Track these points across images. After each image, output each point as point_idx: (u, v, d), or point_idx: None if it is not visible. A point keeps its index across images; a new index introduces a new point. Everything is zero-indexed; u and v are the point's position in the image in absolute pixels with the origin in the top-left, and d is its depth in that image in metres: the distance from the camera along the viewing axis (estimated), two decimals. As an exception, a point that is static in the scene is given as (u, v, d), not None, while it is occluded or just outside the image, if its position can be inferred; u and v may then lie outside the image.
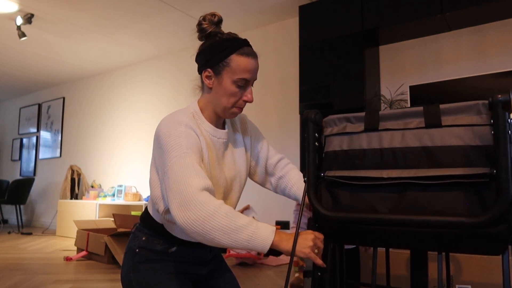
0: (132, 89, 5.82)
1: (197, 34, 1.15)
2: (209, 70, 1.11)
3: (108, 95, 6.17)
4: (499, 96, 0.72)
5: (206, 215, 0.90)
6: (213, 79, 1.11)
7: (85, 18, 4.32)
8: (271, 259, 3.56)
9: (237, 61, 1.07)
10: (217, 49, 1.08)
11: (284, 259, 3.63)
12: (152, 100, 5.51)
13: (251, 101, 1.13)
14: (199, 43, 1.16)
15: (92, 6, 4.03)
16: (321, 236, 0.96)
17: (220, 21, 1.13)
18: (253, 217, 4.25)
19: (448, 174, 0.75)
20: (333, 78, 3.48)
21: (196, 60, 1.16)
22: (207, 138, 1.13)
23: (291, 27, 4.27)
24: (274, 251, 3.92)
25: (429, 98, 3.09)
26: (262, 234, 0.91)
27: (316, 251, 0.93)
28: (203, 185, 0.95)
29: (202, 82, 1.17)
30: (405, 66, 3.53)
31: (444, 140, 0.78)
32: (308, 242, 0.92)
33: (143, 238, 1.14)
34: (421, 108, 0.83)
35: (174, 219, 0.94)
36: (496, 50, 3.14)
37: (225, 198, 1.18)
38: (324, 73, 3.54)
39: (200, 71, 1.15)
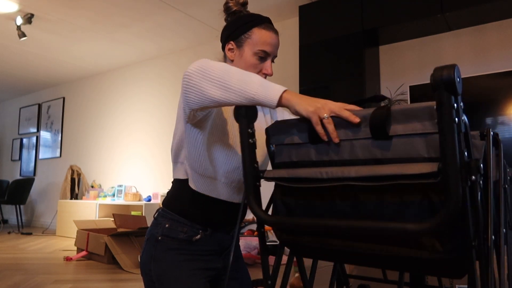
0: (133, 89, 5.82)
1: (224, 16, 1.21)
2: (232, 42, 1.15)
3: (108, 95, 6.17)
4: (442, 74, 0.57)
5: (221, 66, 0.90)
6: (235, 51, 1.16)
7: (85, 18, 4.32)
8: (271, 259, 3.56)
9: (259, 33, 1.12)
10: (240, 22, 1.14)
11: (284, 259, 3.63)
12: (153, 100, 5.51)
13: (270, 74, 1.16)
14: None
15: (92, 5, 4.03)
16: (348, 106, 0.77)
17: (245, 3, 1.19)
18: (253, 217, 4.25)
19: (390, 174, 0.65)
20: (333, 78, 3.48)
21: (221, 36, 1.20)
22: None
23: (291, 27, 4.27)
24: (273, 251, 3.87)
25: (429, 98, 3.09)
26: (273, 85, 0.85)
27: (325, 115, 0.76)
28: None
29: (225, 56, 1.21)
30: (405, 66, 3.53)
31: (395, 153, 0.68)
32: (317, 103, 0.78)
33: (167, 225, 1.10)
34: (369, 113, 0.72)
35: (187, 75, 0.92)
36: (496, 50, 3.14)
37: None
38: (324, 73, 3.54)
39: (223, 45, 1.19)
